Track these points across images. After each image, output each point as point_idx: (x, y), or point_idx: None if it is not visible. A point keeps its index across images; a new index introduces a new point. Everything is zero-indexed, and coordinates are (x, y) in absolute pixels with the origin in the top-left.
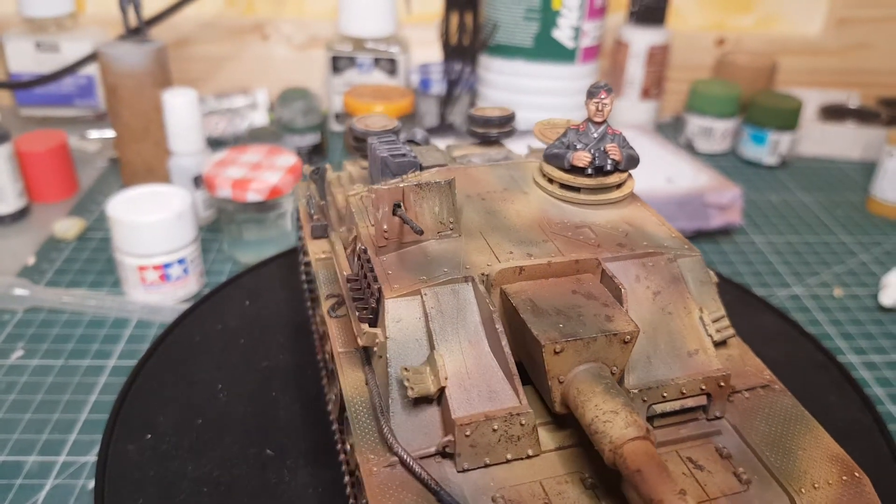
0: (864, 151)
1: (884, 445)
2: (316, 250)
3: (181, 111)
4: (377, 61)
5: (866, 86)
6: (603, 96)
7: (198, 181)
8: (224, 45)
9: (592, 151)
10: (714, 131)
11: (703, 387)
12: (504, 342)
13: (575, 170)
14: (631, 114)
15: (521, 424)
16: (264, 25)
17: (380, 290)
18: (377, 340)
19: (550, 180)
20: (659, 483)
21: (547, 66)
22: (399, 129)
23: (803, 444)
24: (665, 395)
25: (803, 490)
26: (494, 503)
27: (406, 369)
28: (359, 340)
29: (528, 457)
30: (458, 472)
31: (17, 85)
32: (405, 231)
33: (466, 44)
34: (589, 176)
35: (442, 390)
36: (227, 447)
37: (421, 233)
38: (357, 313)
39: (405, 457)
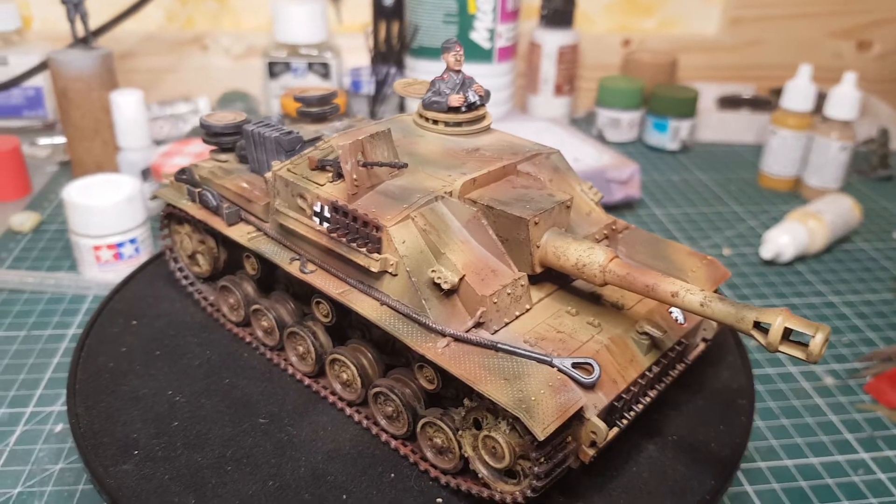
0: (757, 136)
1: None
2: (240, 234)
3: (129, 109)
4: (311, 66)
5: (760, 79)
6: (458, 49)
7: (145, 174)
8: (166, 57)
9: (461, 93)
10: (621, 122)
11: (606, 233)
12: (491, 232)
13: (452, 109)
14: (546, 109)
15: (522, 286)
16: (203, 38)
17: (378, 224)
18: (391, 263)
19: (435, 122)
20: (645, 274)
21: (466, 65)
22: (249, 120)
23: (669, 253)
24: None
25: (689, 274)
26: (528, 343)
27: (434, 270)
28: (372, 268)
29: (527, 310)
30: (491, 334)
31: None
32: (370, 176)
33: (393, 48)
34: (464, 112)
35: (461, 279)
36: (219, 432)
37: (405, 166)
38: (364, 249)
39: (457, 333)
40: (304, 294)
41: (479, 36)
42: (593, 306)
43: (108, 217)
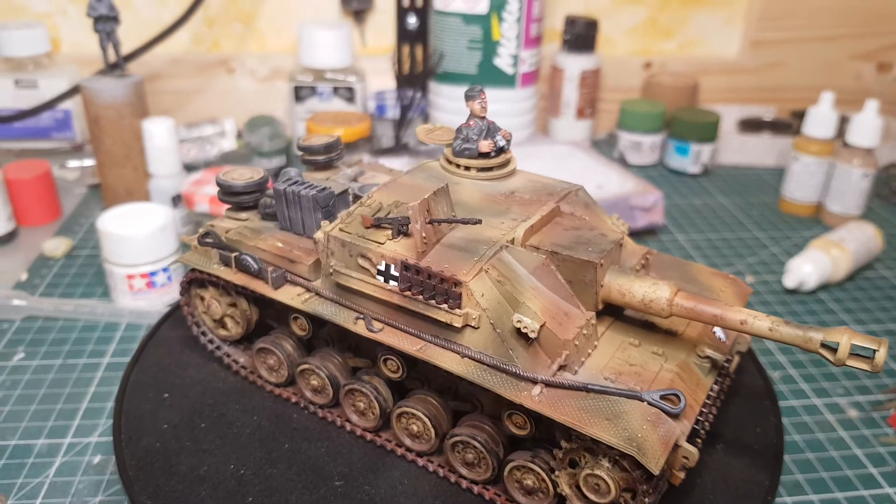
0: (778, 159)
1: (771, 409)
2: (290, 297)
3: (160, 137)
4: (336, 90)
5: (780, 101)
6: (484, 97)
7: (176, 200)
8: (192, 79)
9: (489, 138)
10: (643, 145)
11: (643, 262)
12: (560, 277)
13: (482, 155)
14: (568, 132)
15: (592, 325)
16: (229, 60)
17: (457, 280)
18: (473, 317)
19: (467, 168)
20: (711, 305)
21: (490, 90)
22: (267, 175)
23: (695, 275)
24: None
25: (719, 294)
26: (608, 380)
27: (519, 320)
28: (455, 323)
29: (595, 347)
30: (573, 374)
31: (5, 119)
32: (435, 232)
33: (417, 72)
34: (494, 157)
35: (542, 326)
36: (298, 501)
37: (479, 222)
38: (444, 306)
39: (549, 379)
40: (349, 349)
41: (502, 62)
42: (651, 335)
43: (142, 247)
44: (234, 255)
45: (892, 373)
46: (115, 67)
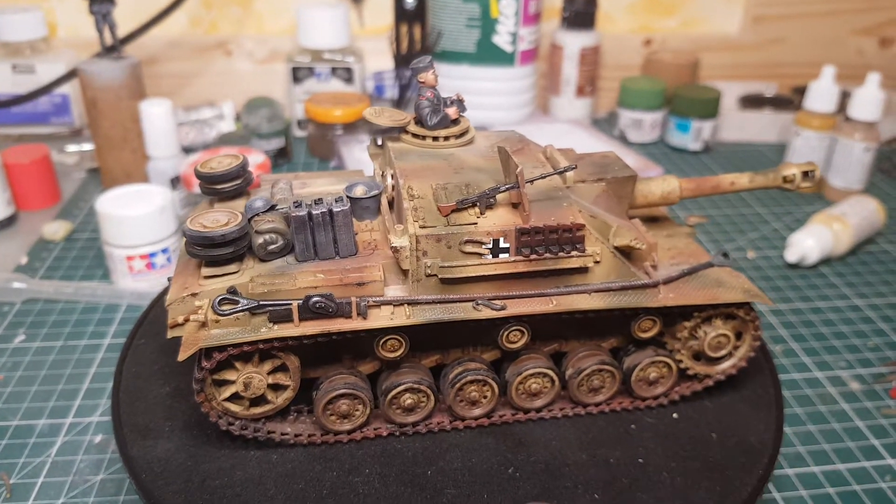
0: (779, 135)
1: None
2: (384, 320)
3: (158, 119)
4: (334, 70)
5: (782, 77)
6: (434, 66)
7: (174, 182)
8: (190, 62)
9: (452, 105)
10: (644, 123)
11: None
12: (614, 198)
13: (453, 122)
14: (568, 110)
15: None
16: (227, 42)
17: (578, 225)
18: (598, 252)
19: (446, 138)
20: (707, 180)
21: (489, 69)
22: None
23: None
24: None
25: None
26: (674, 264)
27: (634, 240)
28: (588, 264)
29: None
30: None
31: (3, 104)
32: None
33: (415, 51)
34: (460, 123)
35: (635, 238)
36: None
37: (575, 167)
38: (574, 253)
39: (667, 277)
40: (413, 351)
41: (501, 40)
42: (648, 226)
43: (141, 228)
44: (295, 303)
45: (894, 345)
46: (111, 50)
